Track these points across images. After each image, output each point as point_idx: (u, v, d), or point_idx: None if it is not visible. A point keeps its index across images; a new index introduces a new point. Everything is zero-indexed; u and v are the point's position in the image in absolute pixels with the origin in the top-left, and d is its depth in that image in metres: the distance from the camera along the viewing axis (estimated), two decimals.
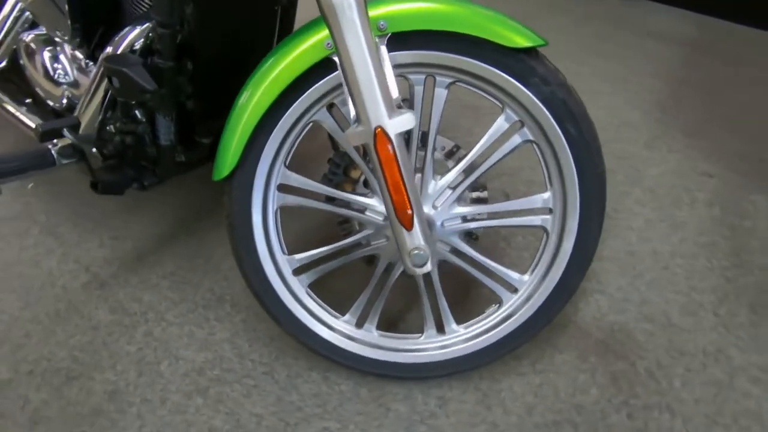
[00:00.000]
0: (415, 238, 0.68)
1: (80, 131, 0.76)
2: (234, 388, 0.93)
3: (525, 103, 0.72)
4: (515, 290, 0.87)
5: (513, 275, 0.86)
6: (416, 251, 0.68)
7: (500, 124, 0.76)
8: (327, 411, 0.90)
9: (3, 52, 1.01)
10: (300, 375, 0.95)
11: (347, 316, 0.90)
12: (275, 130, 0.74)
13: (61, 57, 0.92)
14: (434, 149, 0.78)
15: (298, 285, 0.87)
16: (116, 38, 0.78)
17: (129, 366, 0.96)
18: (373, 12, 0.66)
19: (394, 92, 0.65)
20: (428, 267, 0.70)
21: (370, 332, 0.90)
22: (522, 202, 0.82)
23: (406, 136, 0.85)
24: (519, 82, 0.70)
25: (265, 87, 0.70)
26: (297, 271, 0.87)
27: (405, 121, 0.62)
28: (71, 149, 0.79)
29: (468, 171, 0.81)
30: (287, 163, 0.79)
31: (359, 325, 0.90)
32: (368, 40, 0.59)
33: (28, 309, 1.06)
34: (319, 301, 0.89)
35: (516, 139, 0.77)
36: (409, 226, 0.66)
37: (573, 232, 0.79)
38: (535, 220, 0.82)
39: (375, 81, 0.60)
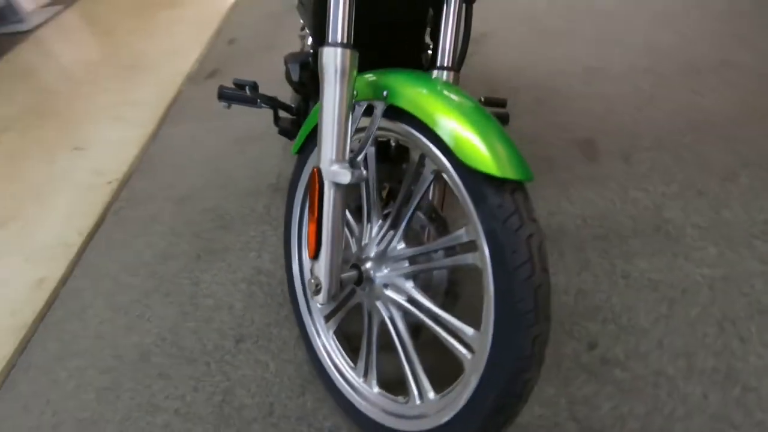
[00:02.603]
0: (315, 268, 0.77)
1: (259, 91, 1.16)
2: (261, 294, 1.27)
3: (474, 226, 0.64)
4: (421, 398, 0.81)
5: (426, 385, 0.80)
6: (312, 279, 0.78)
7: (461, 233, 0.70)
8: (270, 349, 1.12)
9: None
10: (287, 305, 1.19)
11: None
12: None
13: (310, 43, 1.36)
14: (410, 219, 0.79)
15: None
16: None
17: (250, 239, 1.43)
18: (385, 80, 0.73)
19: (358, 150, 0.73)
20: (319, 300, 0.78)
21: (321, 325, 1.03)
22: (455, 322, 0.74)
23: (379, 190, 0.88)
24: (472, 203, 0.63)
25: None
26: None
27: (338, 174, 0.71)
28: (268, 100, 1.23)
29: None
30: None
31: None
32: (341, 98, 0.69)
33: (247, 181, 1.68)
34: None
35: (467, 258, 0.69)
36: (310, 255, 0.76)
37: (470, 389, 0.67)
38: (460, 349, 0.72)
39: (334, 132, 0.71)
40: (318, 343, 1.03)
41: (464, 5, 0.84)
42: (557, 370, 1.01)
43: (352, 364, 0.98)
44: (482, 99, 1.21)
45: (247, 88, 1.12)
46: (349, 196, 1.01)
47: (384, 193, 1.00)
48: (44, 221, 1.65)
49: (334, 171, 0.71)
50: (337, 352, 1.01)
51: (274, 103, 1.20)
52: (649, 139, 1.55)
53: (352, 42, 0.70)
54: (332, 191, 0.73)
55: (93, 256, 1.49)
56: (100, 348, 1.22)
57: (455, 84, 0.85)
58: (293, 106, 1.28)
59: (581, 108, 1.74)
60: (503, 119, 1.32)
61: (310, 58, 1.09)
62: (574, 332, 1.07)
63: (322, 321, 1.05)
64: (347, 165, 0.72)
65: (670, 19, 2.18)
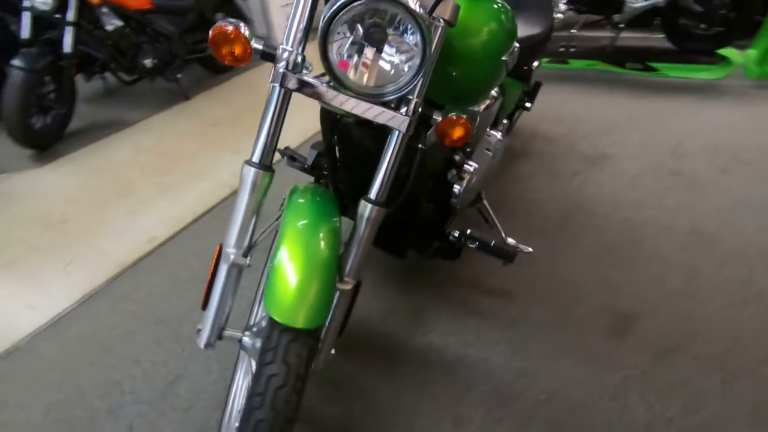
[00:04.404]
0: (203, 317, 0.96)
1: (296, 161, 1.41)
2: None
3: None
4: None
5: None
6: (198, 325, 0.97)
7: None
8: (223, 361, 1.35)
9: None
10: None
11: None
12: None
13: None
14: None
15: None
16: None
17: None
18: (293, 197, 0.87)
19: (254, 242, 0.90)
20: (198, 343, 0.97)
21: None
22: None
23: None
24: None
25: None
26: None
27: (227, 256, 0.89)
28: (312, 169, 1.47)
29: None
30: None
31: None
32: (247, 206, 0.87)
33: None
34: None
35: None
36: (201, 305, 0.95)
37: None
38: None
39: (237, 226, 0.89)
40: (237, 376, 1.21)
41: (411, 146, 0.91)
42: None
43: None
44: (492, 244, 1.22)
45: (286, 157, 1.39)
46: None
47: None
48: (183, 198, 2.26)
49: (226, 252, 0.90)
50: (242, 391, 1.18)
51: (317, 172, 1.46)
52: (711, 346, 1.24)
53: (269, 164, 0.88)
54: (223, 267, 0.91)
55: (187, 235, 1.99)
56: (152, 300, 1.65)
57: (378, 219, 0.93)
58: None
59: (653, 276, 1.47)
60: (509, 257, 1.28)
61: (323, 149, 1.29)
62: None
63: (249, 360, 1.23)
64: (238, 253, 0.89)
65: None
